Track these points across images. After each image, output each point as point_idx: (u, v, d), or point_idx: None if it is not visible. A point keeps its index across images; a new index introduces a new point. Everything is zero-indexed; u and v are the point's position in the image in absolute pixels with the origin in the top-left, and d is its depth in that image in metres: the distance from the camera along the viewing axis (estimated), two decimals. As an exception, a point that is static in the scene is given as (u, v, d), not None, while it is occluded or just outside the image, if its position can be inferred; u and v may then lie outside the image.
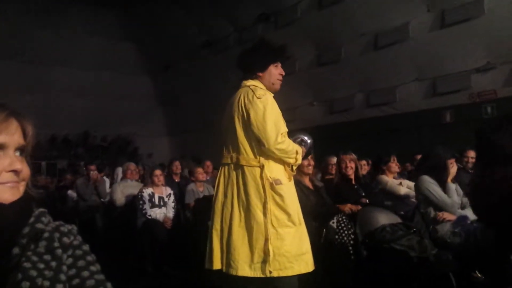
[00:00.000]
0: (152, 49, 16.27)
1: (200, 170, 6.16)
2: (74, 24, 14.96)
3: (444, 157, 3.76)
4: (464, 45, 8.42)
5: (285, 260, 2.47)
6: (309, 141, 2.94)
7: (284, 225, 2.53)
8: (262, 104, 2.54)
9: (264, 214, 2.50)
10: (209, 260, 2.62)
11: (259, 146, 2.57)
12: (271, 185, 2.54)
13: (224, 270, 2.55)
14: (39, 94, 14.24)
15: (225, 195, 2.65)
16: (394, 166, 5.18)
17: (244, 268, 2.48)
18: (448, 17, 8.61)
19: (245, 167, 2.59)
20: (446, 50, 8.70)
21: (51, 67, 14.95)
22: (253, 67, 2.75)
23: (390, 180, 5.06)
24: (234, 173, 2.63)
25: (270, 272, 2.44)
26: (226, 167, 2.69)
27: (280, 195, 2.55)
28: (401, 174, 5.81)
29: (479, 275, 2.70)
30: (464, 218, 3.53)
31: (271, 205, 2.51)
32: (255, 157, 2.59)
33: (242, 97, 2.63)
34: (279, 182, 2.57)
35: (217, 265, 2.58)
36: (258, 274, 2.46)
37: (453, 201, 3.62)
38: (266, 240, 2.46)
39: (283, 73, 2.80)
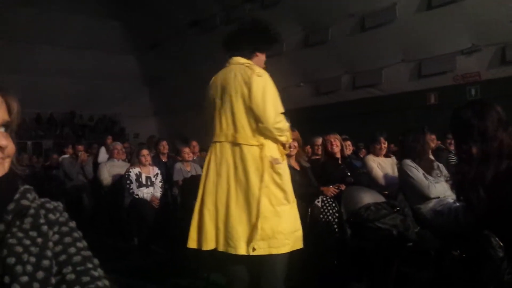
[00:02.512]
0: (138, 28, 15.98)
1: (187, 150, 6.16)
2: (58, 2, 14.62)
3: None
4: (450, 27, 8.43)
5: (283, 237, 2.47)
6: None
7: (281, 203, 2.52)
8: (263, 82, 2.53)
9: (264, 192, 2.47)
10: (200, 240, 2.56)
11: (257, 124, 2.53)
12: (271, 164, 2.52)
13: (221, 250, 2.50)
14: (23, 74, 13.93)
15: (219, 174, 2.57)
16: (378, 149, 5.15)
17: (243, 246, 2.44)
18: (435, -2, 8.60)
19: (243, 146, 2.53)
20: (432, 32, 8.71)
21: (35, 46, 14.66)
22: (254, 47, 2.72)
23: (375, 167, 4.94)
24: (230, 151, 2.57)
25: (271, 249, 2.44)
26: (218, 145, 2.62)
27: (279, 174, 2.53)
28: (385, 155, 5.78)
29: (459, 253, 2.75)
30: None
31: (270, 184, 2.50)
32: (254, 136, 2.54)
33: (239, 75, 2.57)
34: (278, 161, 2.56)
35: (210, 245, 2.52)
36: (257, 252, 2.44)
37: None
38: (265, 219, 2.45)
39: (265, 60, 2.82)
